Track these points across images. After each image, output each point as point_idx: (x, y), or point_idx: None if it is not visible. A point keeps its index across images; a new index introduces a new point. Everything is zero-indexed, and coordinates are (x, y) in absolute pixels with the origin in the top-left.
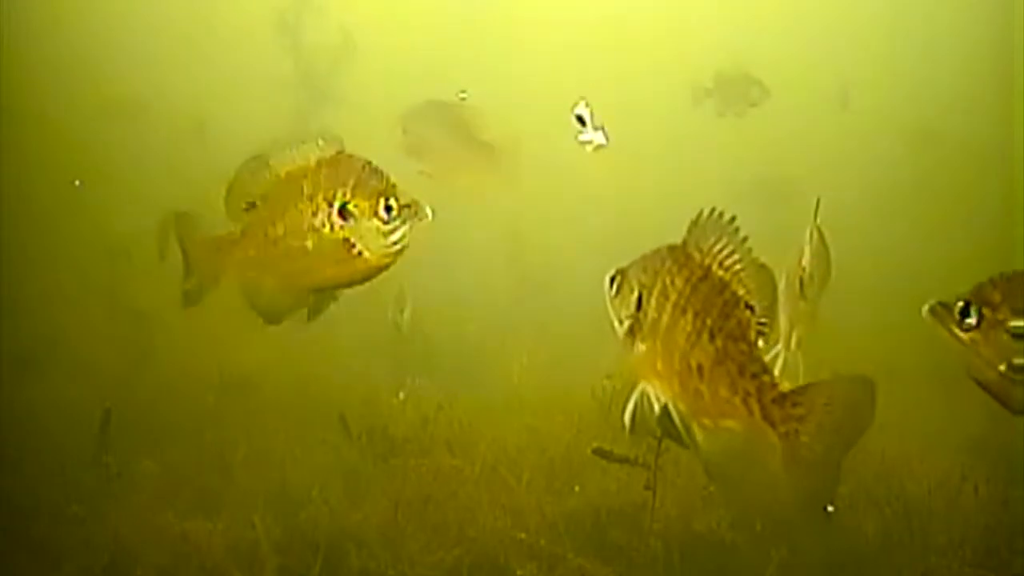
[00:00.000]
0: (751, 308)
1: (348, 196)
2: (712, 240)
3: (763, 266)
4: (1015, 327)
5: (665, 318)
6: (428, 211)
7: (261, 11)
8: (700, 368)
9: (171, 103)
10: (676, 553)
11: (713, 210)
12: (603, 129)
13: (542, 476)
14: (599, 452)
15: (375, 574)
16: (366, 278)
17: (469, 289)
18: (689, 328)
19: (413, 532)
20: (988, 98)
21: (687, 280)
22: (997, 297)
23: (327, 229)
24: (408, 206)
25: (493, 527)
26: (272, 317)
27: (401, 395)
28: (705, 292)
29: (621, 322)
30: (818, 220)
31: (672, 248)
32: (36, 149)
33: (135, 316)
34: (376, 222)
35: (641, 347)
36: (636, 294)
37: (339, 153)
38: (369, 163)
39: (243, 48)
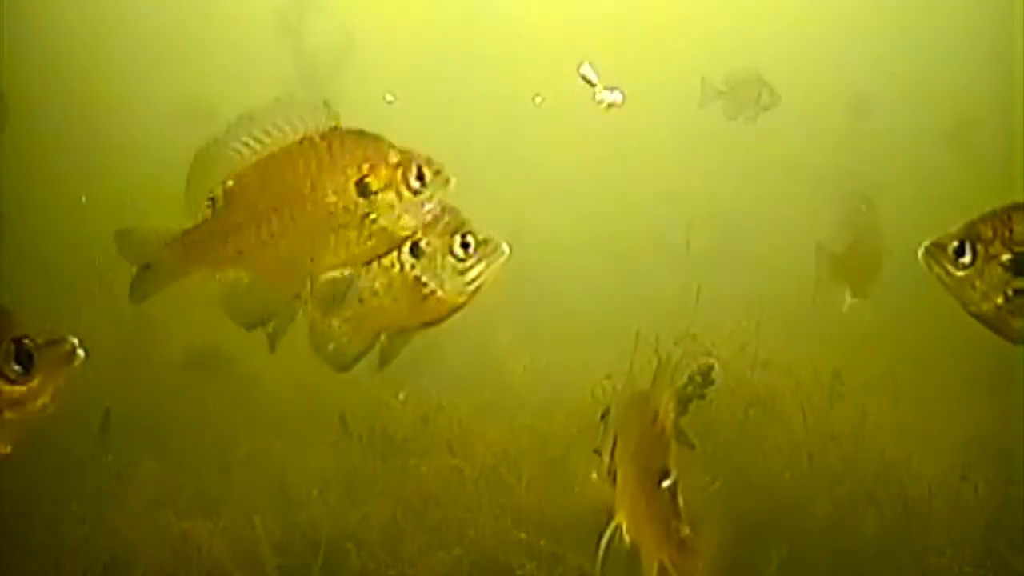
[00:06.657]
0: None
1: (420, 234)
2: (664, 385)
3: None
4: (1009, 260)
5: (628, 459)
6: (505, 247)
7: (261, 11)
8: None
9: (170, 102)
10: None
11: (669, 358)
12: (619, 88)
13: (542, 476)
14: (599, 452)
15: (375, 574)
16: (441, 318)
17: None
18: (641, 471)
19: (413, 532)
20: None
21: (642, 425)
22: (989, 233)
23: (397, 269)
24: (486, 242)
25: (493, 527)
26: (341, 363)
27: (401, 395)
28: (653, 438)
29: (602, 458)
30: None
31: (641, 394)
32: (37, 149)
33: (136, 317)
34: (451, 260)
35: (613, 486)
36: (612, 437)
37: None
38: (440, 200)
39: (243, 48)
